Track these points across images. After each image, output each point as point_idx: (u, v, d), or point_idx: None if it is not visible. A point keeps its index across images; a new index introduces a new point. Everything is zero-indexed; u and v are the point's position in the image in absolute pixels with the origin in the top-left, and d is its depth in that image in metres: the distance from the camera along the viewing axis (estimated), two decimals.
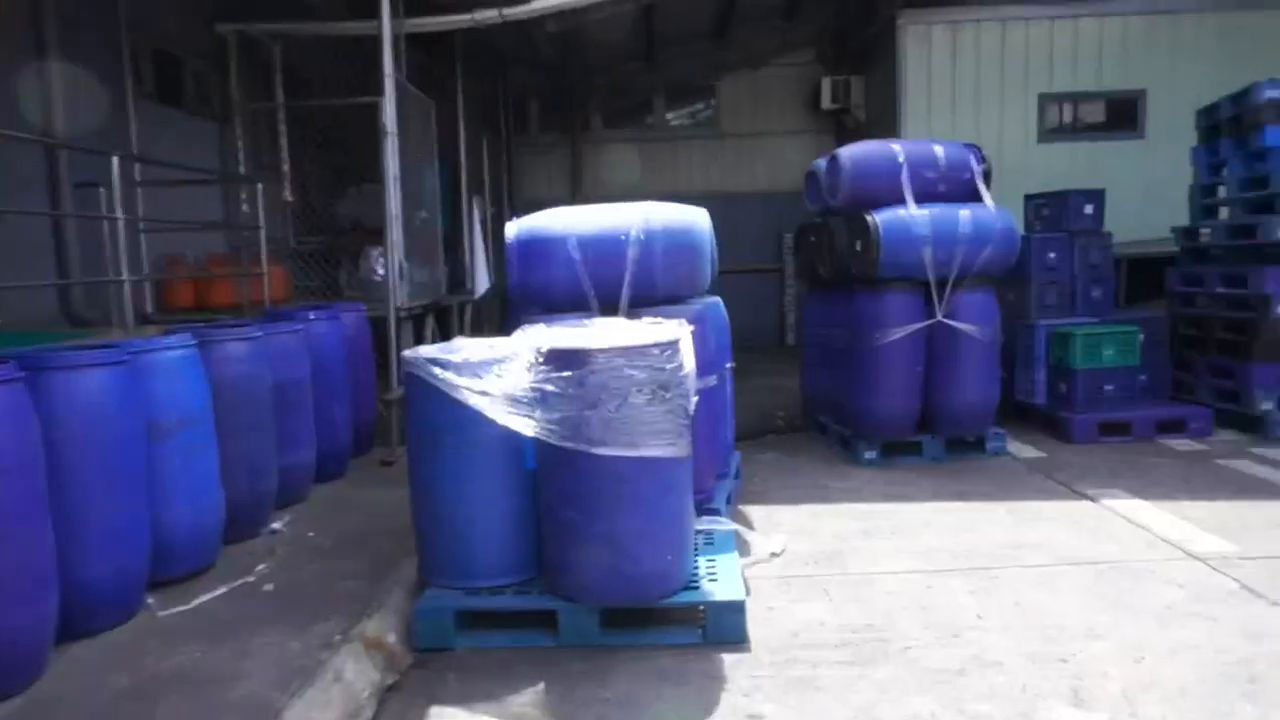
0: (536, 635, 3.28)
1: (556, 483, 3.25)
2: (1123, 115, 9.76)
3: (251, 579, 3.72)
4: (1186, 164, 7.59)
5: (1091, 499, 4.97)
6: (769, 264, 12.74)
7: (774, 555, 4.18)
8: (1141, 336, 6.64)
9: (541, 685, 2.99)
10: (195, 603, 3.46)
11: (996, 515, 4.75)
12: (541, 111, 13.32)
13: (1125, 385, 6.51)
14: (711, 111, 13.31)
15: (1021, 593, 3.68)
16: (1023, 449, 6.19)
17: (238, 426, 4.01)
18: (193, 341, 3.69)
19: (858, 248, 5.93)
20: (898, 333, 5.78)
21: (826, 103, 11.38)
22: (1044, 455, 6.03)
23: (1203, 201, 7.34)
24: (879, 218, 5.77)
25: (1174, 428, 6.38)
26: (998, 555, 4.13)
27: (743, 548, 4.16)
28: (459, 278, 9.00)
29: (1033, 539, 4.33)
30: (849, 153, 6.08)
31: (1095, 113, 9.99)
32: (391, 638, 3.21)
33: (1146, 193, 8.69)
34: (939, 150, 6.07)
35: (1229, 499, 4.88)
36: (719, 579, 3.46)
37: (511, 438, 3.22)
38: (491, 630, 3.32)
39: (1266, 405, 6.35)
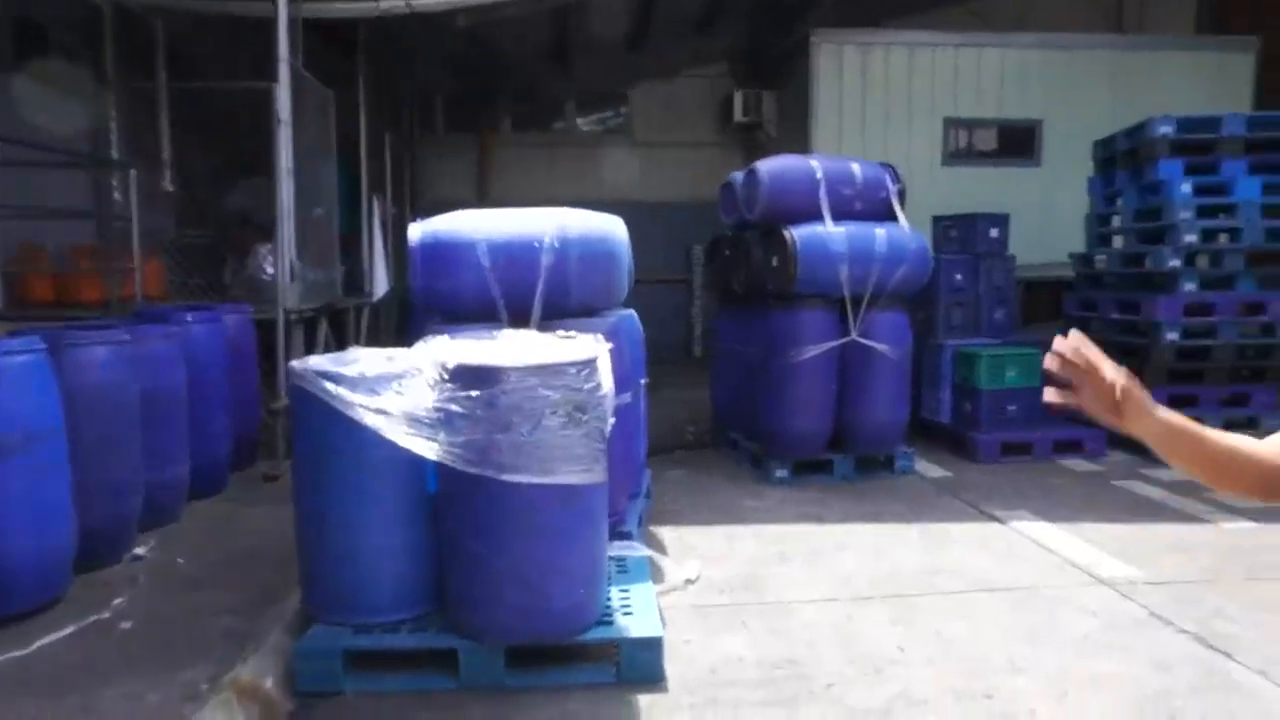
0: (436, 677, 2.98)
1: (461, 511, 2.96)
2: (1022, 143, 10.06)
3: (106, 615, 3.28)
4: (1082, 192, 7.83)
5: (1000, 520, 4.96)
6: (678, 274, 12.63)
7: (689, 582, 3.98)
8: (1042, 358, 6.76)
9: None
10: (34, 646, 3.01)
11: (909, 538, 4.69)
12: (449, 111, 12.88)
13: (1027, 406, 6.60)
14: (623, 119, 13.14)
15: (941, 622, 3.59)
16: (929, 468, 6.20)
17: (97, 441, 3.56)
18: (41, 345, 3.24)
19: (774, 263, 5.83)
20: (812, 350, 5.69)
21: (738, 116, 11.35)
22: (950, 475, 6.05)
23: (1098, 230, 7.57)
24: (797, 234, 5.67)
25: (1071, 448, 6.52)
26: (915, 581, 4.04)
27: (656, 574, 3.94)
28: (356, 280, 8.52)
29: (947, 564, 4.26)
30: (767, 166, 5.97)
31: (997, 139, 10.27)
32: (269, 682, 2.85)
33: (1044, 218, 8.94)
34: (856, 168, 6.04)
35: (1126, 521, 4.95)
36: (634, 612, 3.23)
37: (411, 459, 2.91)
38: (385, 671, 3.00)
39: None
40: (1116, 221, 7.31)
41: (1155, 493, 5.57)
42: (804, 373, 5.70)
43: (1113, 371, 1.28)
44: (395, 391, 2.99)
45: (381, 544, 3.02)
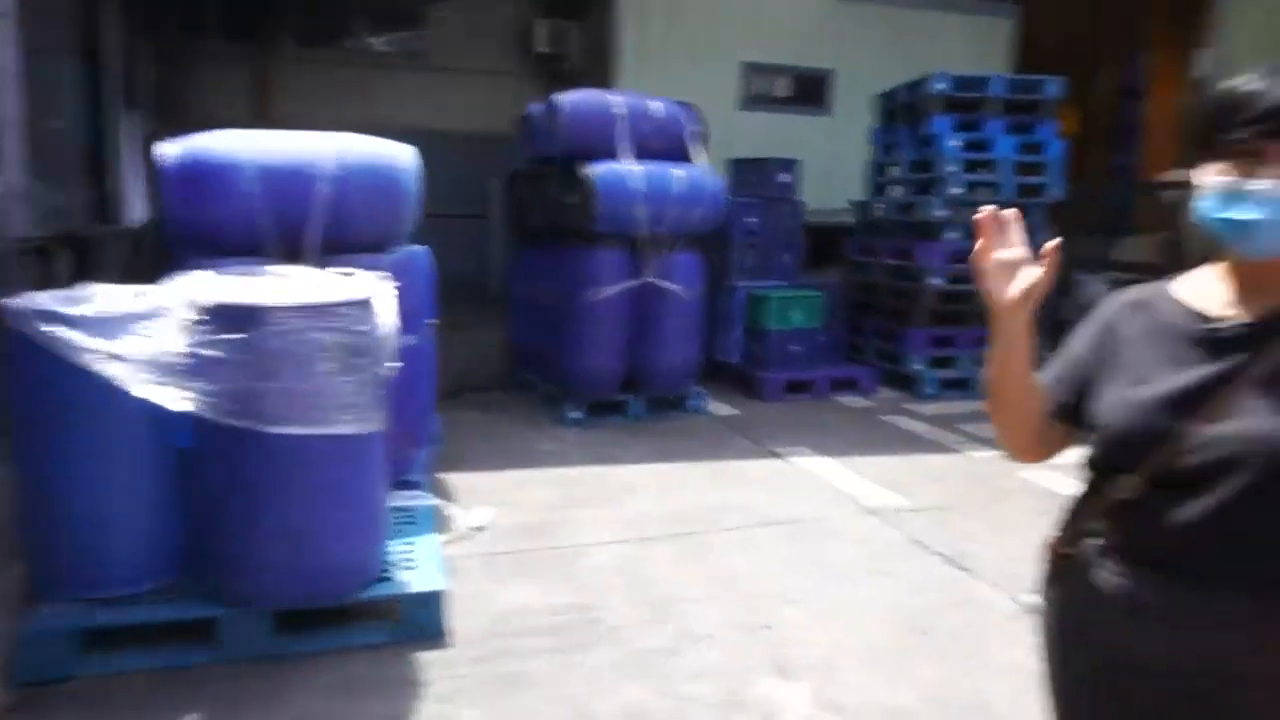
0: (194, 650, 2.71)
1: (221, 467, 2.68)
2: (815, 92, 10.40)
3: None
4: (863, 141, 8.22)
5: (782, 457, 5.20)
6: (474, 209, 12.20)
7: (477, 530, 3.88)
8: (824, 301, 7.11)
9: (194, 716, 2.46)
10: None
11: (699, 476, 4.81)
12: (225, 18, 11.59)
13: (809, 346, 6.94)
14: (420, 42, 12.38)
15: (725, 558, 3.71)
16: (720, 407, 6.40)
17: None
18: None
19: (573, 200, 5.70)
20: (609, 290, 5.66)
21: (540, 46, 10.98)
22: (739, 413, 6.27)
23: (877, 179, 8.00)
24: (596, 170, 5.56)
25: (847, 386, 6.95)
26: (702, 519, 4.15)
27: (444, 524, 3.81)
28: (108, 206, 7.55)
29: (734, 500, 4.42)
30: (568, 100, 5.80)
31: (793, 87, 10.56)
32: None
33: (832, 165, 9.32)
34: (656, 106, 5.98)
35: (893, 454, 5.33)
36: (417, 565, 3.09)
37: (154, 411, 2.58)
38: (130, 650, 2.70)
39: (918, 366, 7.09)
40: (894, 172, 7.73)
41: (918, 426, 6.05)
42: (600, 313, 5.66)
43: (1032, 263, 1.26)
44: (139, 334, 2.64)
45: (119, 507, 2.68)
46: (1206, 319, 1.23)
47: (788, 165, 7.44)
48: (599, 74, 9.84)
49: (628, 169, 5.64)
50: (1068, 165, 7.27)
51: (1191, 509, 1.15)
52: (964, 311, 7.19)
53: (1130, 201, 10.21)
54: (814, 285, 7.33)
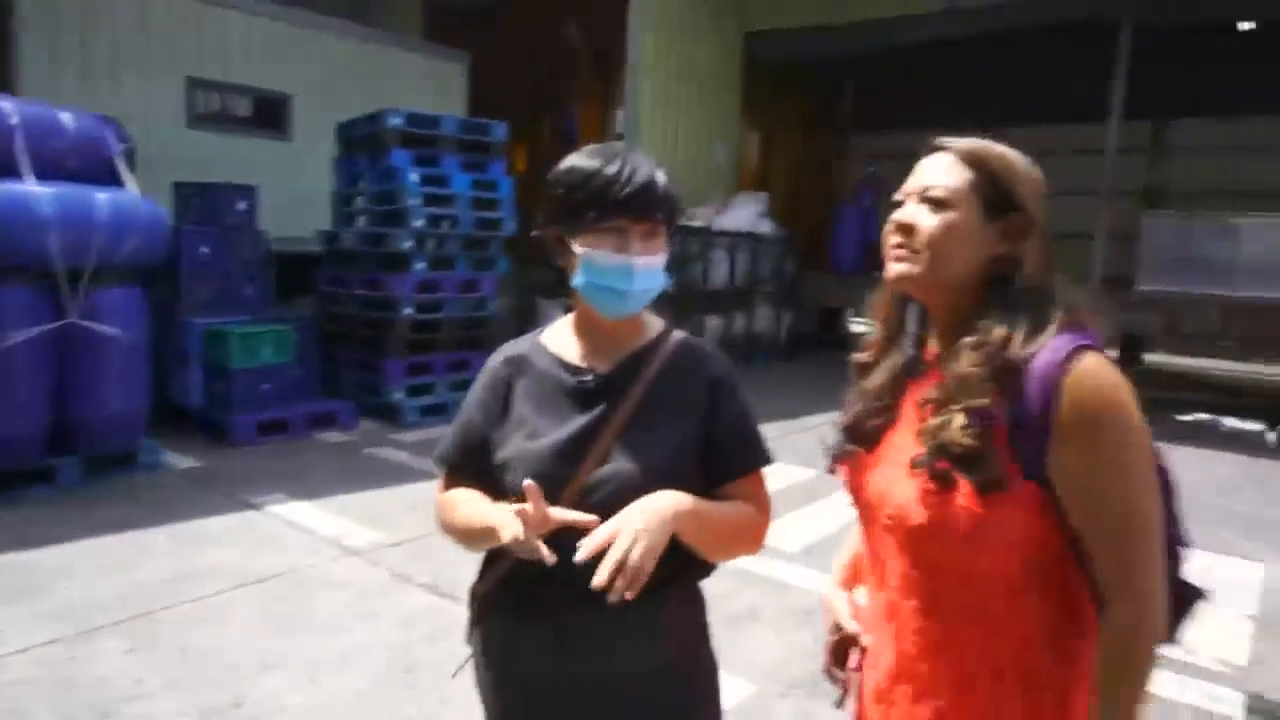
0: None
1: None
2: (273, 115, 9.82)
3: None
4: (328, 170, 8.01)
5: (256, 507, 4.80)
6: None
7: None
8: (295, 334, 6.74)
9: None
10: None
11: (156, 544, 4.20)
12: None
13: (282, 383, 6.51)
14: None
15: (190, 636, 3.28)
16: (181, 459, 5.68)
17: None
18: None
19: None
20: (18, 336, 4.65)
21: None
22: (204, 464, 5.63)
23: (343, 209, 7.85)
24: None
25: (326, 422, 6.68)
26: (160, 594, 3.62)
27: None
28: None
29: (200, 566, 3.93)
30: None
31: (248, 107, 9.84)
32: None
33: (295, 192, 8.91)
34: (67, 119, 5.08)
35: (376, 488, 5.26)
36: None
37: None
38: None
39: (398, 395, 7.13)
40: (360, 202, 7.66)
41: (400, 456, 6.06)
42: (10, 364, 4.62)
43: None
44: None
45: None
46: (574, 370, 1.38)
47: (246, 191, 6.91)
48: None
49: (31, 191, 4.69)
50: (520, 201, 7.93)
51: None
52: (436, 339, 7.42)
53: None
54: (283, 318, 6.92)
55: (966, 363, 1.13)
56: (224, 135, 9.37)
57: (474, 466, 1.39)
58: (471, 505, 1.36)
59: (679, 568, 1.33)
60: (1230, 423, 8.69)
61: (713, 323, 11.01)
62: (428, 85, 10.78)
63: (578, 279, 1.32)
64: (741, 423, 1.39)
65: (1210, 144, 13.85)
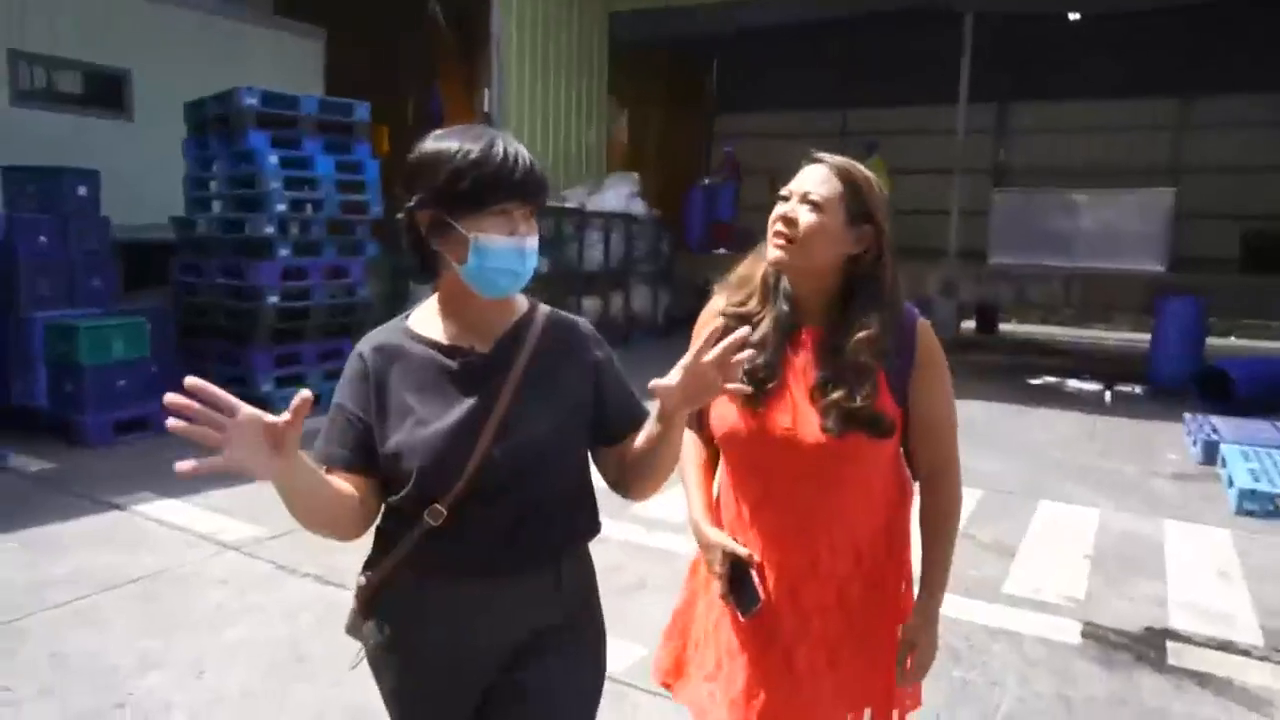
0: None
1: None
2: (110, 92, 9.25)
3: None
4: (177, 152, 7.64)
5: (120, 508, 4.62)
6: None
7: None
8: (149, 326, 6.44)
9: None
10: None
11: (9, 552, 4.00)
12: None
13: (139, 379, 6.22)
14: None
15: (59, 642, 3.18)
16: (31, 462, 5.38)
17: None
18: None
19: None
20: None
21: None
22: (58, 466, 5.36)
23: (195, 194, 7.52)
24: None
25: None
26: (20, 603, 3.48)
27: None
28: None
29: (62, 572, 3.79)
30: None
31: (82, 84, 9.21)
32: None
33: (139, 176, 8.43)
34: None
35: (249, 481, 5.11)
36: None
37: None
38: None
39: (268, 387, 6.94)
40: (214, 186, 7.36)
41: None
42: None
43: None
44: None
45: None
46: (453, 353, 1.40)
47: (87, 176, 6.53)
48: None
49: None
50: (386, 183, 7.81)
51: (497, 517, 1.36)
52: (305, 328, 7.25)
53: None
54: (136, 310, 6.60)
55: (862, 357, 1.55)
56: (56, 114, 8.77)
57: (360, 461, 1.37)
58: None
59: (574, 529, 1.46)
60: (1074, 384, 9.53)
61: (590, 304, 11.14)
62: (282, 62, 10.38)
63: (470, 263, 1.33)
64: (622, 379, 1.52)
65: (1049, 125, 14.98)
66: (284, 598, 3.62)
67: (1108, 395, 8.91)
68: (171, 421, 1.09)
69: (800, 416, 1.57)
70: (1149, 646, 3.41)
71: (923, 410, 1.62)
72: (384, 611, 1.44)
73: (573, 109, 12.47)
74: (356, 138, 7.60)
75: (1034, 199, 11.78)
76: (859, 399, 1.53)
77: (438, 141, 1.36)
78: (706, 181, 13.88)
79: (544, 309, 1.51)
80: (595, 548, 1.55)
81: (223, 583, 3.75)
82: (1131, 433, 7.13)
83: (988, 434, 6.99)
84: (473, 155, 1.31)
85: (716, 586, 1.64)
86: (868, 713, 1.69)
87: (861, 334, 1.55)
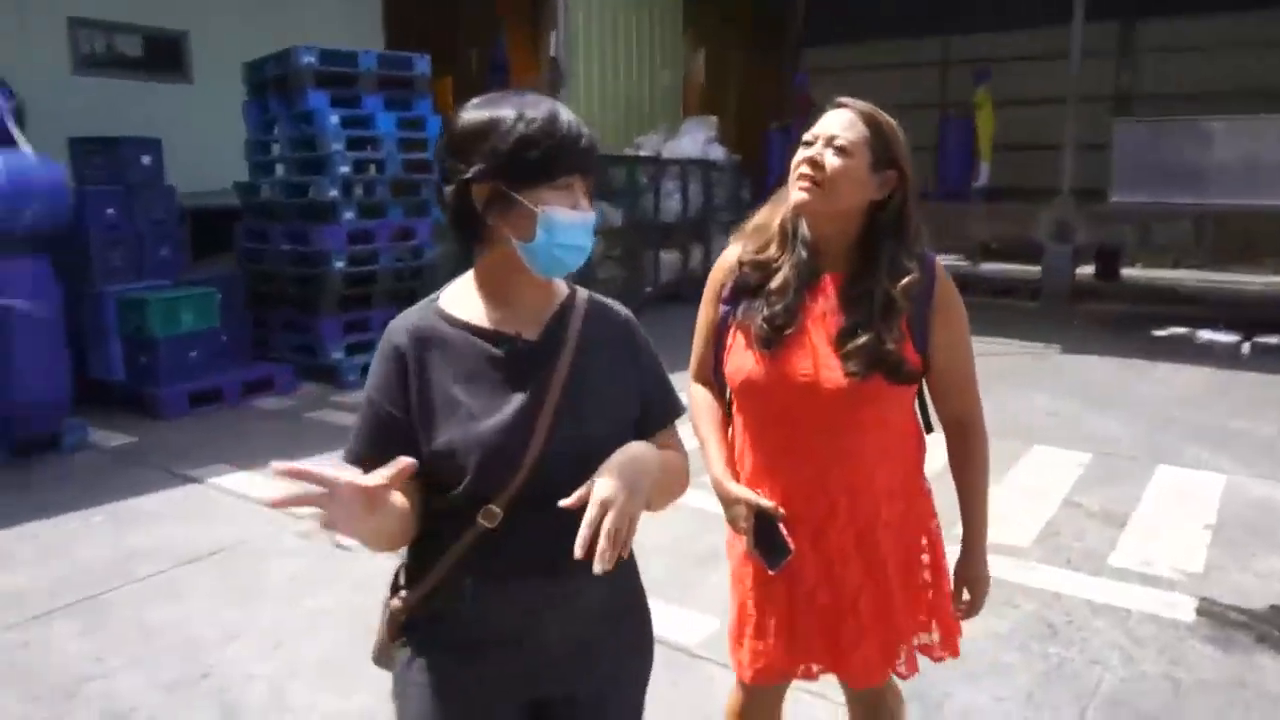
0: None
1: None
2: (170, 56, 9.66)
3: None
4: (237, 115, 7.95)
5: (197, 480, 4.96)
6: None
7: None
8: (219, 297, 6.79)
9: None
10: None
11: (94, 525, 4.36)
12: None
13: (210, 350, 6.60)
14: None
15: (143, 614, 3.48)
16: (110, 436, 5.79)
17: None
18: None
19: None
20: None
21: None
22: (135, 440, 5.75)
23: (257, 158, 7.83)
24: None
25: (262, 388, 6.81)
26: (105, 576, 3.80)
27: None
28: None
29: (144, 544, 4.11)
30: None
31: (140, 48, 9.64)
32: None
33: (200, 142, 8.82)
34: None
35: (322, 452, 5.37)
36: None
37: None
38: None
39: (337, 355, 7.25)
40: (276, 150, 7.65)
41: (344, 419, 6.21)
42: None
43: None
44: None
45: None
46: (499, 339, 1.36)
47: (150, 145, 6.87)
48: None
49: None
50: None
51: (554, 515, 1.25)
52: (372, 293, 7.52)
53: None
54: (204, 280, 6.97)
55: (890, 299, 1.64)
56: (117, 79, 9.20)
57: (386, 458, 1.23)
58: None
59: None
60: (1205, 335, 9.18)
61: (668, 257, 11.18)
62: (340, 14, 10.63)
63: (539, 238, 1.31)
64: (661, 373, 1.51)
65: (1179, 44, 14.19)
66: (357, 568, 3.84)
67: (1245, 347, 8.55)
68: (274, 498, 1.14)
69: (821, 362, 1.66)
70: (1273, 626, 3.35)
71: (943, 355, 1.71)
72: (428, 626, 1.41)
73: (645, 50, 12.42)
74: (418, 93, 7.76)
75: (1161, 129, 11.26)
76: (889, 343, 1.62)
77: (490, 108, 1.32)
78: (776, 125, 13.63)
79: (583, 293, 1.48)
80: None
81: (298, 555, 4.01)
82: (1271, 390, 6.86)
83: (1104, 391, 6.83)
84: (538, 123, 1.29)
85: (741, 544, 1.78)
86: (904, 652, 1.80)
87: (904, 279, 1.65)
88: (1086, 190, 11.35)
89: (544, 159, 1.29)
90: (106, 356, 6.48)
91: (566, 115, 1.33)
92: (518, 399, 1.34)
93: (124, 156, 6.70)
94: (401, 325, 1.39)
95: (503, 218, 1.32)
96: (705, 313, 1.85)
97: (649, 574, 1.58)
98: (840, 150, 1.64)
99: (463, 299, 1.41)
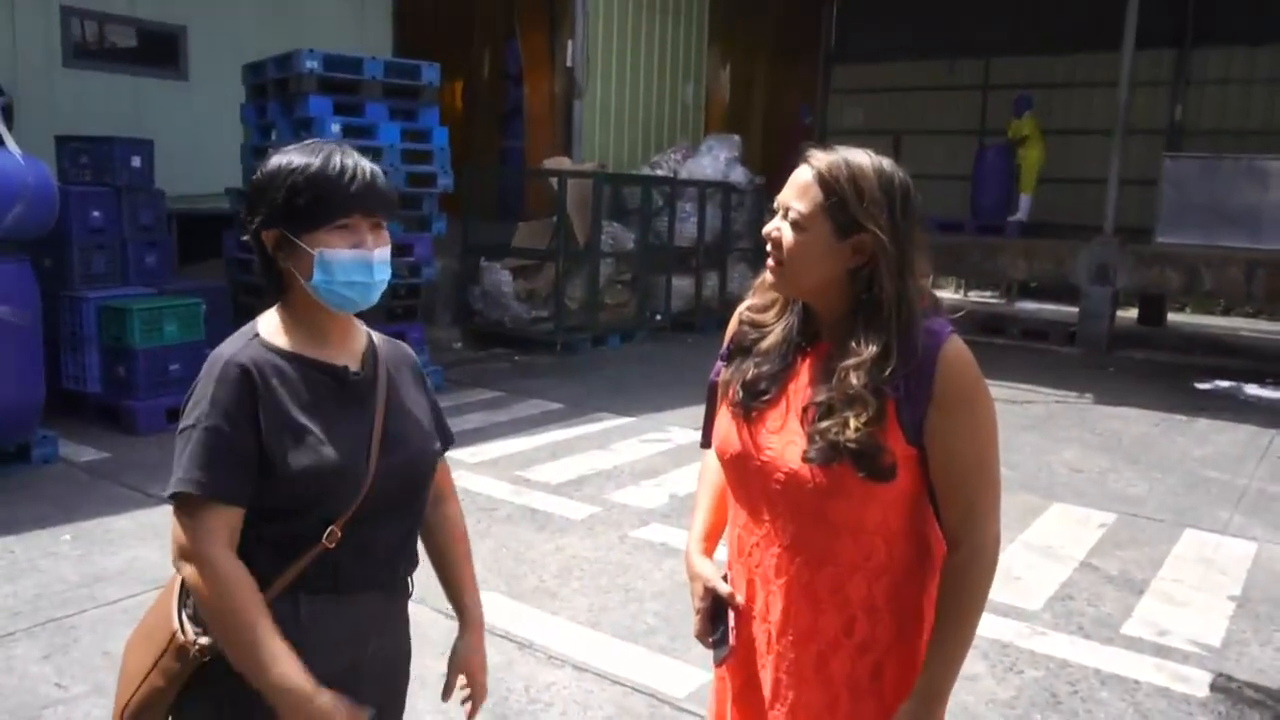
0: None
1: None
2: (164, 51, 9.90)
3: None
4: (234, 114, 8.15)
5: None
6: None
7: None
8: (204, 308, 6.94)
9: None
10: None
11: (62, 544, 4.49)
12: None
13: (192, 363, 6.71)
14: None
15: (110, 640, 3.59)
16: (81, 450, 5.94)
17: None
18: None
19: None
20: None
21: None
22: (107, 456, 5.90)
23: (253, 164, 8.01)
24: None
25: None
26: (71, 599, 3.93)
27: None
28: None
29: (113, 566, 4.24)
30: None
31: (134, 41, 9.89)
32: None
33: (193, 142, 9.04)
34: None
35: None
36: None
37: None
38: None
39: None
40: None
41: None
42: None
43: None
44: None
45: None
46: (330, 370, 1.58)
47: (141, 146, 7.08)
48: None
49: None
50: (455, 146, 8.15)
51: (388, 532, 1.60)
52: (366, 310, 7.63)
53: (521, 186, 11.77)
54: (190, 290, 7.14)
55: (854, 382, 1.50)
56: (108, 73, 9.40)
57: (239, 487, 1.47)
58: None
59: (414, 560, 1.73)
60: (1252, 390, 9.24)
61: (680, 284, 11.30)
62: (347, 18, 10.87)
63: (316, 277, 1.51)
64: (437, 400, 1.81)
65: (1238, 75, 14.27)
66: None
67: None
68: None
69: (788, 439, 1.57)
70: None
71: (941, 456, 1.52)
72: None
73: (667, 62, 12.62)
74: (424, 102, 7.97)
75: (1214, 166, 11.38)
76: (851, 429, 1.47)
77: (277, 158, 1.54)
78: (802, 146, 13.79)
79: (365, 327, 1.72)
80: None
81: None
82: None
83: (1135, 447, 6.92)
84: (309, 171, 1.50)
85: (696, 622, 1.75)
86: None
87: (851, 359, 1.51)
88: (1130, 229, 11.45)
89: (310, 205, 1.50)
90: (82, 365, 6.64)
91: (341, 159, 1.53)
92: (354, 425, 1.57)
93: (114, 157, 6.90)
94: (233, 354, 1.53)
95: (291, 260, 1.54)
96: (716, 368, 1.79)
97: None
98: (794, 225, 1.56)
99: (280, 332, 1.59)
